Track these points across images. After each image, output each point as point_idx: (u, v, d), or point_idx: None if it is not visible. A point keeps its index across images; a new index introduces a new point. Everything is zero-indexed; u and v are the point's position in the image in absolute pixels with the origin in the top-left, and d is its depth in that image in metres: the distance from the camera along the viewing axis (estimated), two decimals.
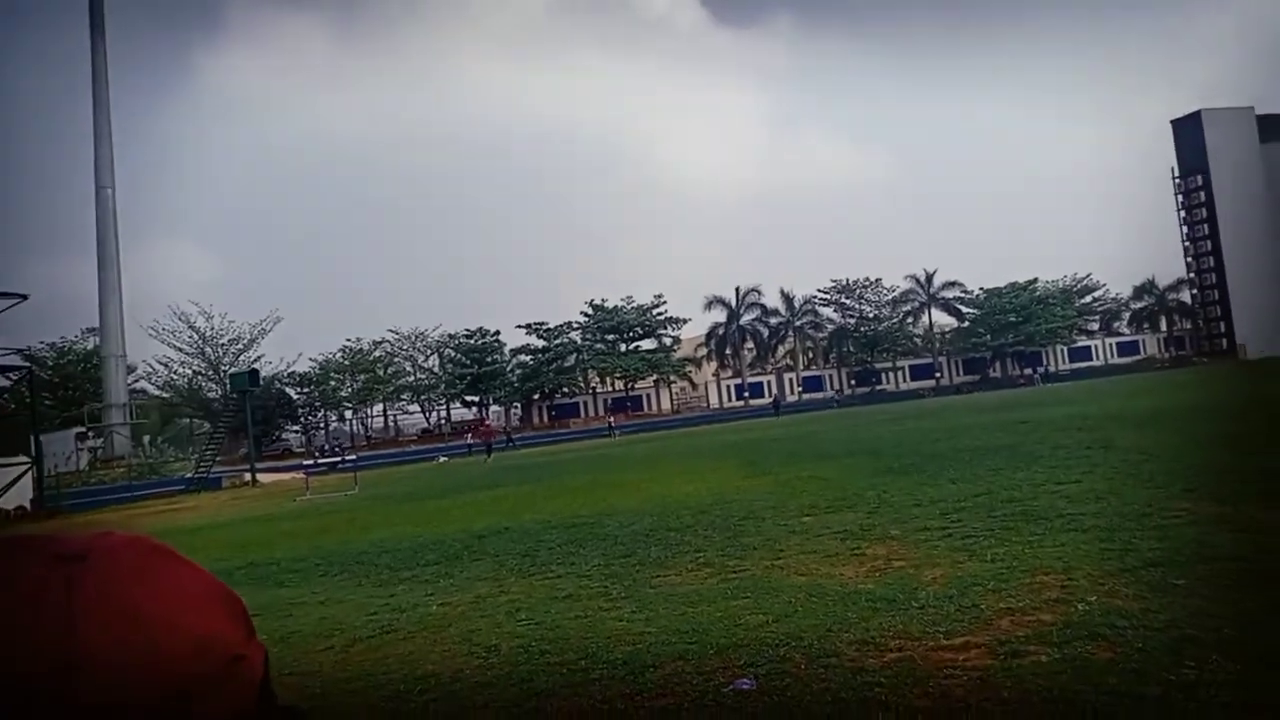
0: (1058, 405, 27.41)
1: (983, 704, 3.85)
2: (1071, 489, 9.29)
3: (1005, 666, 4.23)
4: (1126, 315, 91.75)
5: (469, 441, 52.51)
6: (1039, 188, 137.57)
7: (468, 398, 70.39)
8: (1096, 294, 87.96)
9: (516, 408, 74.54)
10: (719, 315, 77.62)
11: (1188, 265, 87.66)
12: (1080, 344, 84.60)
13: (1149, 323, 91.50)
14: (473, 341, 69.43)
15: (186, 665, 0.55)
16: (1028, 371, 77.44)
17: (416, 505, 17.46)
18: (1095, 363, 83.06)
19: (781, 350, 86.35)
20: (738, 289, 76.41)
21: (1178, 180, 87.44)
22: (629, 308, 72.61)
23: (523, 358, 71.25)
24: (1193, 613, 4.64)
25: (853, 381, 78.71)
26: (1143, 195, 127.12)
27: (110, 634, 0.54)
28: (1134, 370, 72.89)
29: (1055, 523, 7.51)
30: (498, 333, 70.27)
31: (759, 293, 76.57)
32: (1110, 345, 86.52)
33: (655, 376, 73.12)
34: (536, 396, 71.13)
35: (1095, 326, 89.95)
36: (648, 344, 74.18)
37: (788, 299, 77.90)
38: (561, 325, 71.15)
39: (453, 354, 70.87)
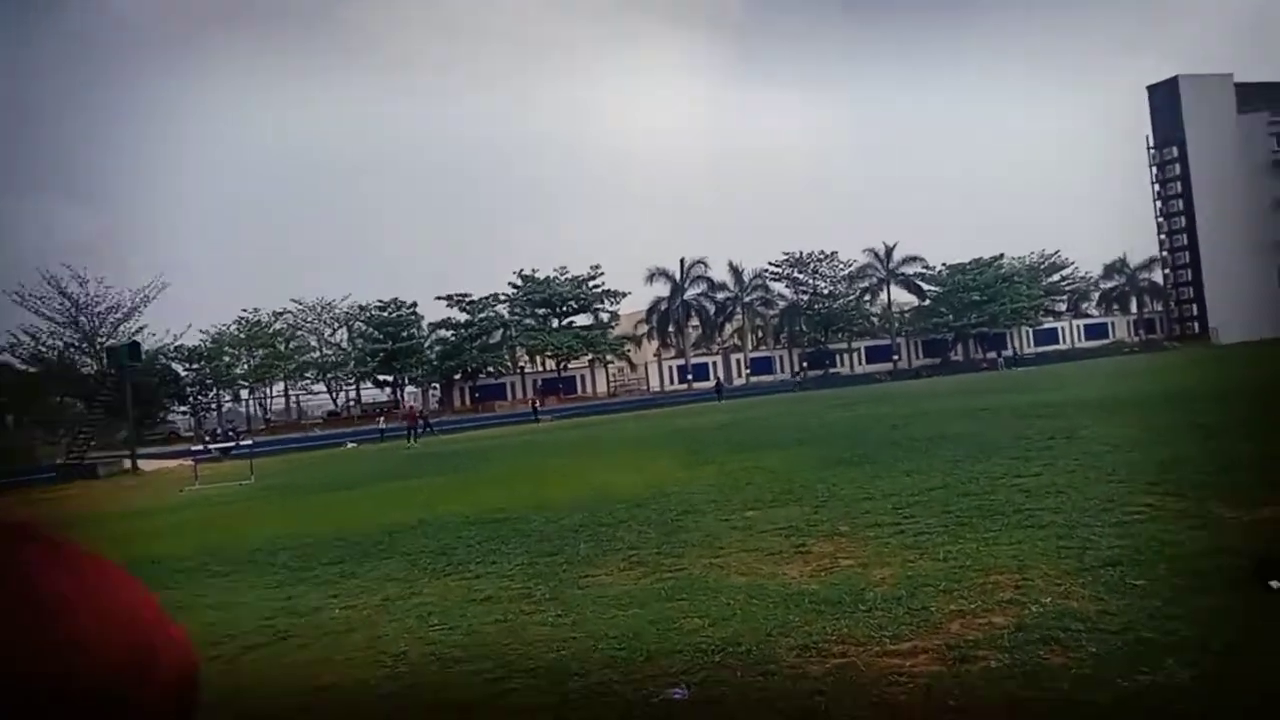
0: (1021, 391, 28.18)
1: (929, 712, 3.97)
2: (1031, 482, 9.58)
3: (954, 672, 4.36)
4: (1096, 296, 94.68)
5: (381, 426, 51.99)
6: (1007, 158, 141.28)
7: (380, 377, 69.57)
8: (1065, 272, 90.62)
9: (435, 389, 73.93)
10: (661, 289, 78.03)
11: (1160, 243, 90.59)
12: (1047, 326, 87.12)
13: (1119, 304, 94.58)
14: (386, 314, 68.54)
15: (117, 649, 0.55)
16: (991, 355, 79.49)
17: (320, 497, 17.26)
18: (1062, 346, 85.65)
19: (729, 329, 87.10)
20: (682, 261, 76.85)
21: (1152, 150, 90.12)
22: (562, 279, 72.38)
23: (443, 333, 70.59)
24: (1150, 614, 4.84)
25: (805, 364, 79.81)
26: (1115, 167, 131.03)
27: (23, 620, 0.54)
28: (1102, 354, 75.35)
29: (1012, 519, 7.75)
30: (414, 305, 69.55)
31: (705, 265, 77.09)
32: (1078, 328, 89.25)
33: (590, 356, 73.17)
34: (458, 376, 70.62)
35: (1063, 307, 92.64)
36: (583, 320, 74.11)
37: (736, 273, 78.58)
38: (487, 298, 70.65)
39: (363, 328, 69.89)
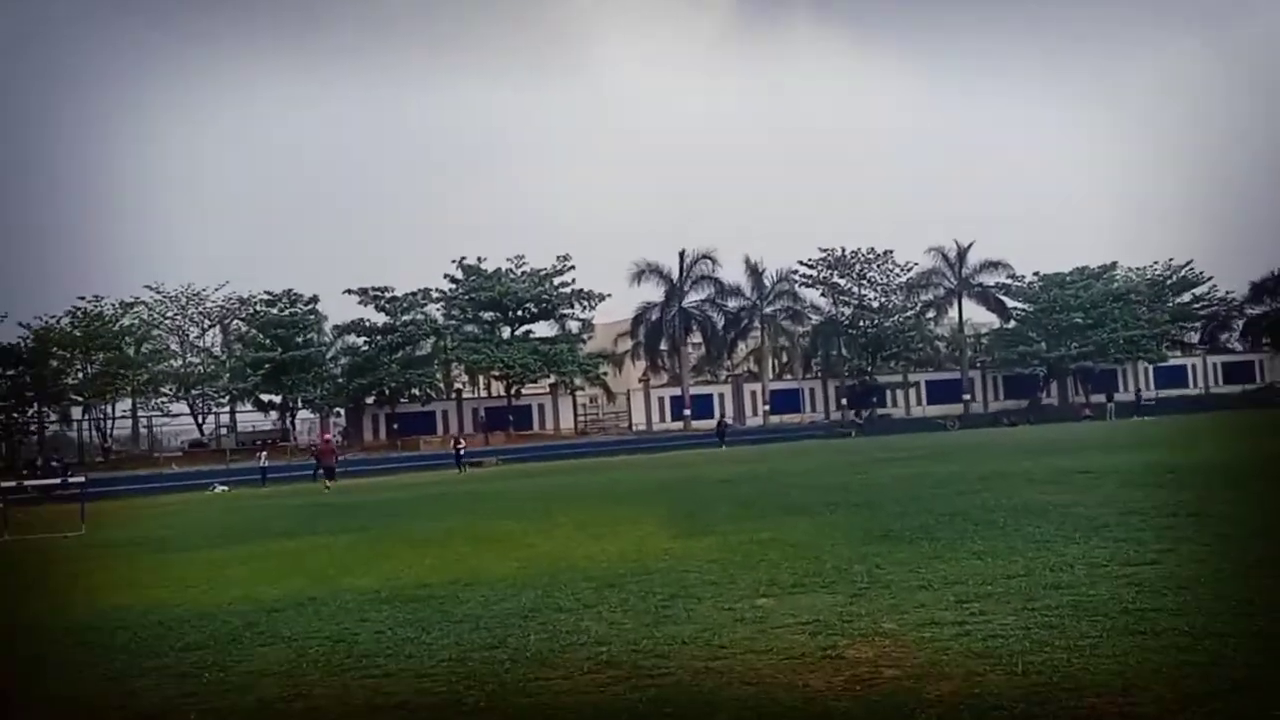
0: (1134, 449, 28.31)
1: None
2: (1144, 573, 9.62)
3: None
4: (1239, 325, 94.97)
5: (261, 463, 51.84)
6: (1117, 153, 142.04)
7: (264, 396, 69.35)
8: (1198, 291, 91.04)
9: (339, 415, 73.73)
10: (653, 292, 78.23)
11: None
12: (1173, 362, 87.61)
13: (1272, 336, 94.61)
14: (276, 310, 68.45)
15: None
16: (1097, 399, 79.72)
17: (175, 558, 17.17)
18: (1191, 389, 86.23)
19: (742, 349, 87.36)
20: (682, 254, 77.06)
21: None
22: (518, 273, 72.50)
23: (353, 339, 70.51)
24: None
25: (844, 401, 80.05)
26: (1264, 150, 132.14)
27: None
28: (1247, 403, 75.30)
29: (1118, 621, 7.78)
30: (315, 300, 69.41)
31: (713, 261, 77.44)
32: (1214, 366, 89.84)
33: (553, 378, 73.15)
34: (371, 400, 70.51)
35: (1195, 338, 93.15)
36: (545, 329, 74.20)
37: (755, 273, 79.04)
38: (414, 294, 70.64)
39: (244, 328, 69.72)
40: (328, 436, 53.78)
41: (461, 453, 54.49)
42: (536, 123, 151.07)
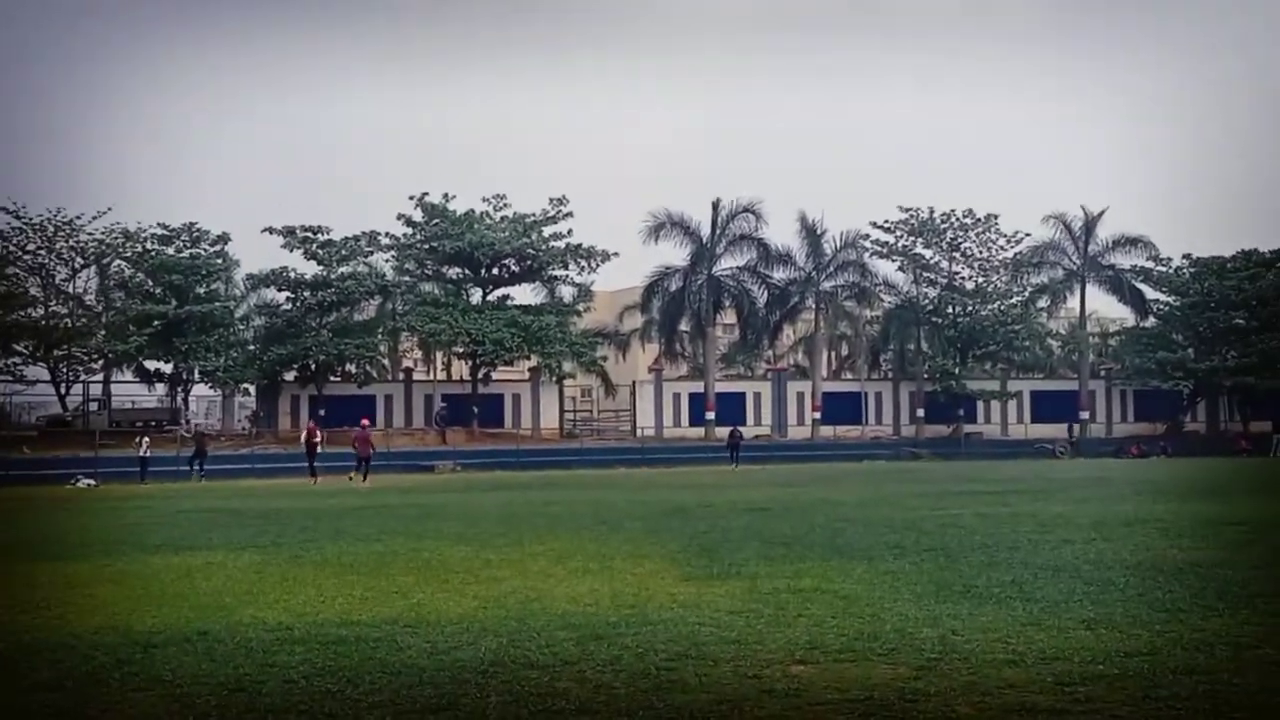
0: None
1: None
2: None
3: None
4: None
5: (143, 453, 51.91)
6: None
7: (150, 363, 69.30)
8: None
9: (248, 392, 73.68)
10: (675, 254, 78.09)
11: None
12: None
13: None
14: (172, 250, 68.33)
15: None
16: (1261, 428, 79.03)
17: (23, 570, 17.24)
18: None
19: (789, 335, 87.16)
20: (717, 205, 76.82)
21: None
22: (496, 218, 72.33)
23: (272, 295, 70.48)
24: None
25: (921, 411, 79.91)
26: None
27: None
28: None
29: (1274, 714, 7.82)
30: (224, 240, 69.29)
31: (757, 217, 77.19)
32: None
33: (535, 361, 73.08)
34: (292, 376, 70.41)
35: None
36: (528, 294, 74.18)
37: (812, 235, 78.79)
38: (356, 239, 70.42)
39: (129, 271, 69.62)
40: (366, 422, 53.23)
41: (318, 450, 49.46)
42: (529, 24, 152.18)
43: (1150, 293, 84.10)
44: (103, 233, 70.82)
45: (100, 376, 72.14)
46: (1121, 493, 31.09)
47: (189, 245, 68.56)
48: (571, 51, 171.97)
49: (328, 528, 23.49)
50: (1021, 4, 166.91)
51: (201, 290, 67.86)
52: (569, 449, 67.31)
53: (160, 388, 72.23)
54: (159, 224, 68.98)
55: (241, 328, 70.39)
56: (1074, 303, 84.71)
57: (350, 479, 46.44)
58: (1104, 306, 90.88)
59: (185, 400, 72.49)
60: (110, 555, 18.90)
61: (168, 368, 69.63)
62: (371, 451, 49.43)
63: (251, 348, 69.40)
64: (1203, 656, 9.81)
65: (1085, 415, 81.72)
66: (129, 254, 69.66)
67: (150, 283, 67.88)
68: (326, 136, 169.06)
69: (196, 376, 70.08)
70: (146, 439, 54.48)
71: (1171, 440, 78.20)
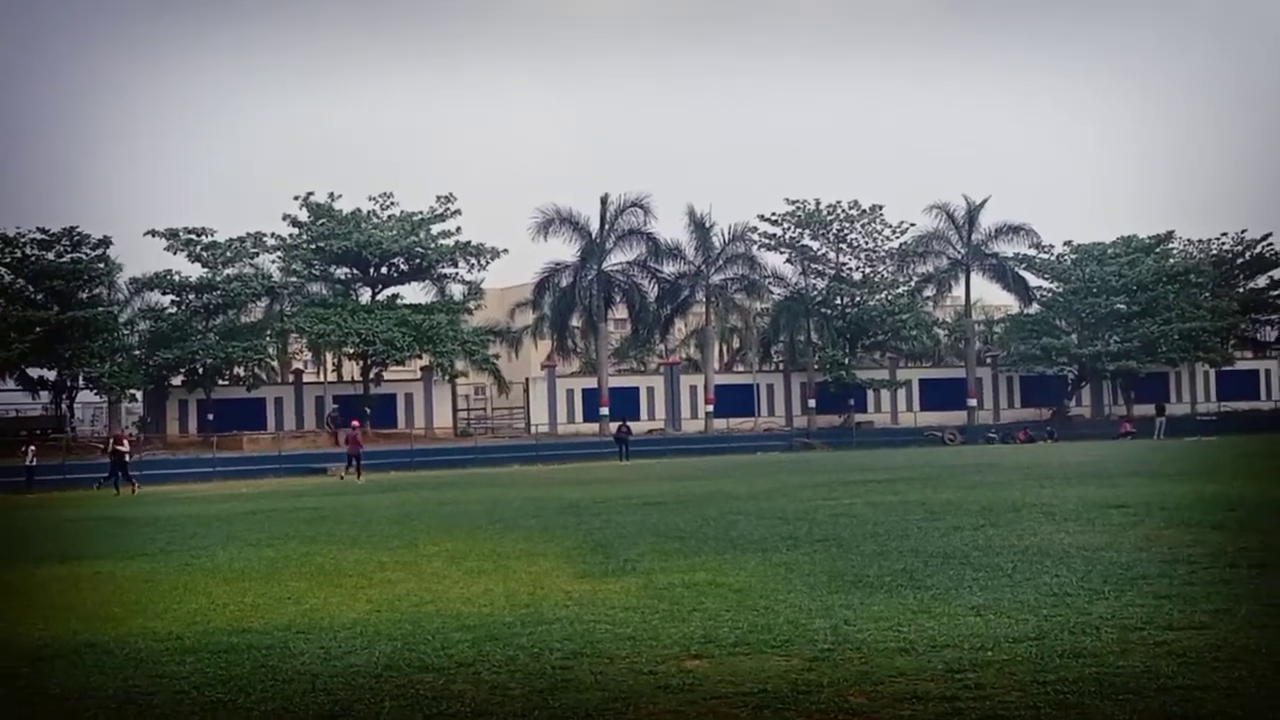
0: (1187, 478, 28.62)
1: None
2: (1191, 641, 9.75)
3: None
4: None
5: (29, 462, 51.23)
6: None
7: (33, 370, 68.15)
8: (1277, 274, 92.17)
9: (135, 398, 72.70)
10: (565, 250, 78.05)
11: None
12: (1242, 365, 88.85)
13: None
14: (52, 255, 67.19)
15: None
16: (1144, 411, 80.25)
17: None
18: (1265, 402, 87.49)
19: (681, 329, 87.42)
20: (605, 200, 76.86)
21: None
22: (383, 216, 72.01)
23: (156, 298, 69.56)
24: None
25: (812, 401, 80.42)
26: None
27: None
28: None
29: (1153, 701, 7.91)
30: (106, 243, 68.26)
31: (645, 210, 77.30)
32: None
33: (427, 360, 72.77)
34: (179, 381, 69.61)
35: (1273, 335, 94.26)
36: (417, 293, 73.83)
37: (701, 229, 79.04)
38: (241, 240, 69.74)
39: (9, 278, 68.38)
40: (356, 424, 56.28)
41: (128, 457, 47.79)
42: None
43: (1033, 280, 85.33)
44: None
45: None
46: (1009, 478, 31.39)
47: (70, 250, 67.33)
48: (455, 48, 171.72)
49: (218, 534, 23.30)
50: None
51: (84, 295, 66.86)
52: (463, 448, 66.99)
53: (45, 395, 70.89)
54: (38, 229, 67.75)
55: (126, 332, 69.34)
56: (959, 291, 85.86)
57: (342, 477, 50.01)
58: (989, 294, 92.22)
59: (70, 407, 71.29)
60: None
61: (51, 375, 68.47)
62: (361, 450, 51.91)
63: (137, 353, 68.45)
64: (1089, 639, 9.95)
65: (973, 403, 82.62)
66: (8, 260, 68.26)
67: (31, 288, 66.66)
68: (206, 137, 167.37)
69: (81, 383, 68.98)
70: (33, 447, 53.74)
71: (1057, 425, 79.44)
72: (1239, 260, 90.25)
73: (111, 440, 48.73)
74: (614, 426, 65.70)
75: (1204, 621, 10.52)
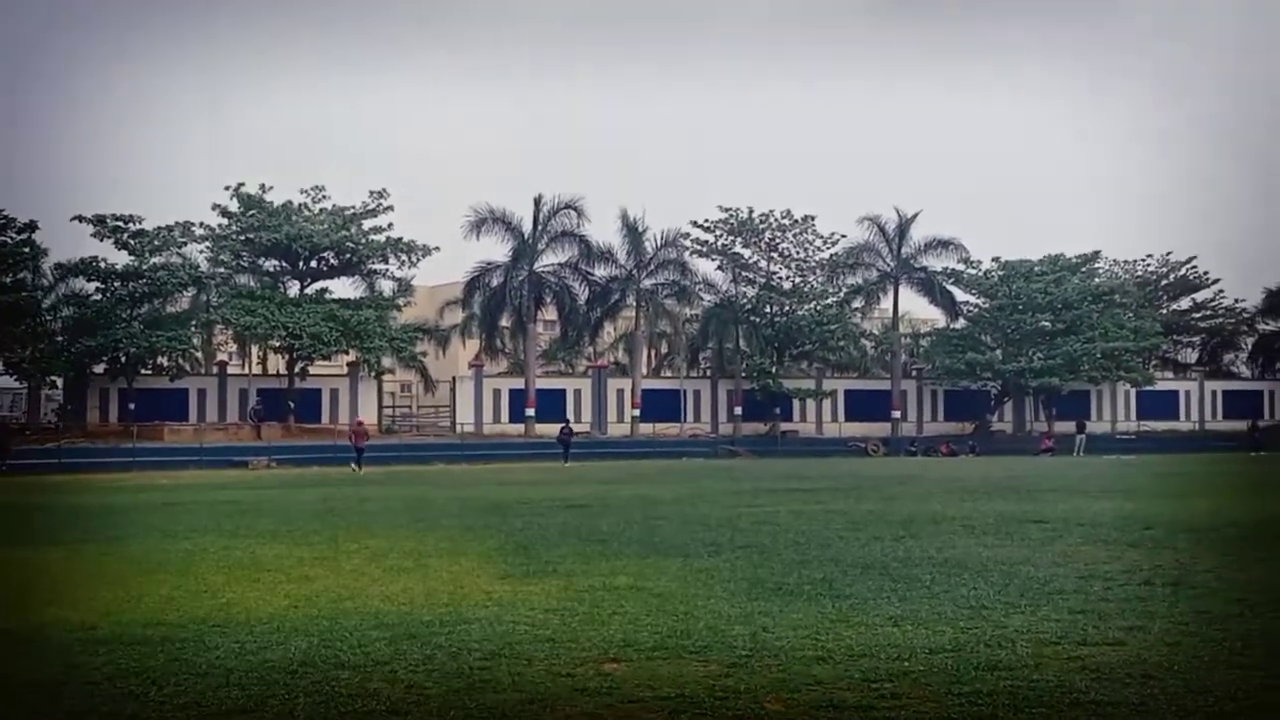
0: (1105, 495, 29.08)
1: None
2: (1105, 656, 9.92)
3: None
4: (1249, 343, 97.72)
5: None
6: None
7: None
8: (1200, 297, 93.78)
9: (55, 385, 71.95)
10: (497, 249, 77.91)
11: None
12: (1162, 385, 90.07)
13: None
14: None
15: None
16: (1064, 428, 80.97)
17: None
18: (1184, 423, 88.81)
19: (610, 332, 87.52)
20: (539, 201, 76.76)
21: None
22: (314, 210, 71.64)
23: (81, 284, 68.79)
24: None
25: (738, 409, 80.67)
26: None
27: None
28: (1252, 443, 77.16)
29: (1065, 715, 8.03)
30: (31, 228, 67.43)
31: (578, 213, 77.27)
32: (1214, 394, 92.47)
33: (354, 355, 72.43)
34: (101, 369, 68.94)
35: (1193, 357, 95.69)
36: (347, 288, 73.45)
37: (634, 233, 79.19)
38: (169, 229, 69.05)
39: None
40: (361, 419, 60.57)
41: None
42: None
43: (960, 295, 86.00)
44: None
45: None
46: (930, 491, 31.72)
47: None
48: (389, 43, 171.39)
49: (136, 524, 23.13)
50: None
51: (7, 279, 65.91)
52: (387, 445, 66.63)
53: None
54: None
55: (49, 318, 68.54)
56: (888, 304, 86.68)
57: (353, 470, 51.72)
58: (916, 308, 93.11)
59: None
60: None
61: None
62: (365, 443, 55.65)
63: (59, 339, 67.64)
64: (1004, 652, 10.08)
65: (897, 415, 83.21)
66: None
67: None
68: (135, 124, 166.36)
69: (1, 368, 68.17)
70: None
71: (979, 439, 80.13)
72: (1163, 282, 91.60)
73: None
74: (558, 429, 65.60)
75: (1118, 638, 10.67)
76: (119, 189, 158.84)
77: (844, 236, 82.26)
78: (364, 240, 71.39)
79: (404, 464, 57.22)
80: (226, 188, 70.47)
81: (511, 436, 73.53)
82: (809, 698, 8.59)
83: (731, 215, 79.75)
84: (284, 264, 71.62)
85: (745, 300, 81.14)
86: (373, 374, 73.91)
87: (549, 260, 78.16)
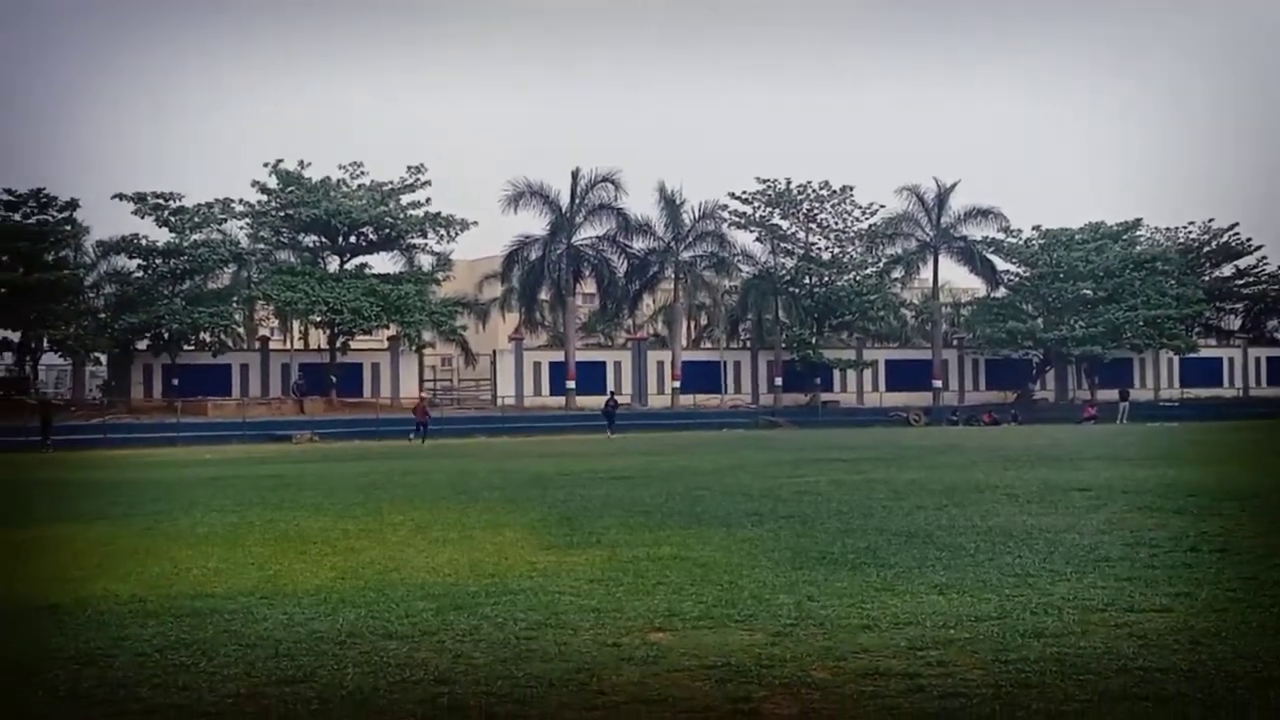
0: (1150, 463, 28.86)
1: None
2: (1152, 623, 9.83)
3: None
4: None
5: None
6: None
7: None
8: (1243, 264, 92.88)
9: (99, 361, 72.36)
10: (535, 223, 78.00)
11: None
12: (1205, 353, 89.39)
13: None
14: (18, 217, 66.67)
15: None
16: (1107, 396, 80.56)
17: None
18: (1227, 389, 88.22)
19: (649, 305, 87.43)
20: (576, 174, 76.81)
21: None
22: (353, 186, 71.74)
23: (123, 262, 69.14)
24: None
25: (778, 380, 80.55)
26: None
27: None
28: None
29: (1114, 682, 7.96)
30: (73, 206, 67.82)
31: (616, 186, 77.37)
32: (1258, 360, 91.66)
33: (394, 330, 72.60)
34: (144, 345, 69.28)
35: (1236, 324, 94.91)
36: (386, 263, 73.60)
37: (671, 206, 79.15)
38: (210, 206, 69.36)
39: None
40: (424, 395, 64.09)
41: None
42: None
43: (1001, 264, 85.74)
44: None
45: None
46: (973, 459, 31.56)
47: (36, 211, 66.81)
48: (426, 22, 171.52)
49: (182, 499, 23.21)
50: None
51: (50, 258, 66.37)
52: (431, 420, 66.88)
53: (8, 356, 70.49)
54: (5, 190, 67.20)
55: (92, 296, 69.04)
56: (927, 273, 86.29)
57: (410, 440, 55.15)
58: (956, 277, 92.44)
59: (34, 369, 70.92)
60: None
61: (15, 336, 68.08)
62: (429, 418, 59.22)
63: (102, 316, 68.12)
64: (1051, 619, 10.02)
65: (938, 384, 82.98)
66: None
67: None
68: (178, 103, 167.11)
69: (46, 345, 68.64)
70: None
71: (1021, 408, 79.83)
72: (1205, 249, 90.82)
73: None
74: (603, 400, 65.85)
75: (1165, 604, 10.60)
76: (158, 168, 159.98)
77: (883, 206, 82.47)
78: (402, 215, 71.59)
79: (445, 438, 57.42)
80: (265, 164, 70.86)
81: (552, 409, 73.65)
82: (855, 665, 8.56)
83: (769, 186, 79.70)
84: (323, 240, 71.87)
85: (784, 271, 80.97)
86: (413, 348, 74.19)
87: (587, 233, 78.49)
